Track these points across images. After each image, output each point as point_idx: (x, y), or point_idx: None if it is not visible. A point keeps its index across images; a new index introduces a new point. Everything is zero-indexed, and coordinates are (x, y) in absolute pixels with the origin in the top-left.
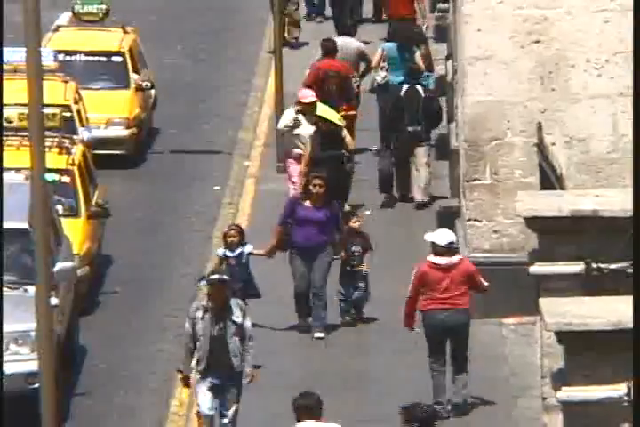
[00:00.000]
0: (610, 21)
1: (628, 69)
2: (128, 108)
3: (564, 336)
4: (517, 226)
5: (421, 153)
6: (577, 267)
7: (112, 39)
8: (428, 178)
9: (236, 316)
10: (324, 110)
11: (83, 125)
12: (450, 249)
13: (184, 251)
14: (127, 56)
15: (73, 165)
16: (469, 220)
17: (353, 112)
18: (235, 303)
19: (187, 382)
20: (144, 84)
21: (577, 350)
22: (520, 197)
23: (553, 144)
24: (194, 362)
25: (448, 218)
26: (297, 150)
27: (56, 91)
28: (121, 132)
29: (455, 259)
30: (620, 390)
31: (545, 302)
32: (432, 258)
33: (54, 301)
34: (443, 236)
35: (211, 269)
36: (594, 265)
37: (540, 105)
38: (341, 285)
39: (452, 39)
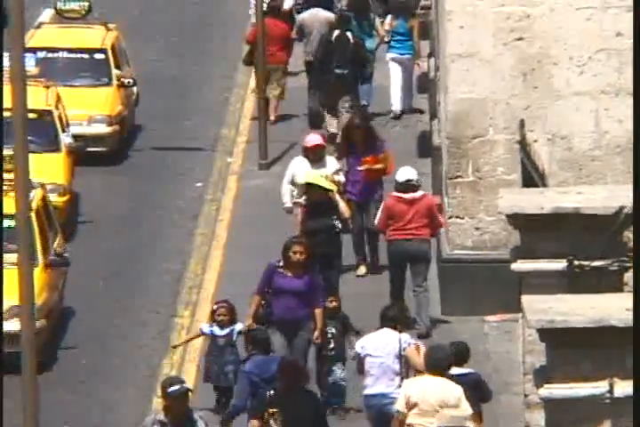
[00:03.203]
0: (592, 19)
1: (611, 67)
2: (110, 105)
3: (545, 333)
4: (499, 223)
5: (347, 99)
6: (559, 264)
7: (94, 36)
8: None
9: None
10: (312, 176)
11: (64, 131)
12: (408, 186)
13: (166, 247)
14: (109, 53)
15: (30, 210)
16: (451, 217)
17: (379, 165)
18: (197, 416)
19: None
20: (126, 81)
21: (559, 347)
22: (502, 195)
23: (535, 141)
24: None
25: None
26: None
27: (38, 96)
28: (103, 129)
29: (418, 194)
30: (601, 387)
31: (527, 299)
32: (396, 193)
33: None
34: (402, 173)
35: (168, 377)
36: (576, 262)
37: (523, 102)
38: (316, 371)
39: (434, 36)
